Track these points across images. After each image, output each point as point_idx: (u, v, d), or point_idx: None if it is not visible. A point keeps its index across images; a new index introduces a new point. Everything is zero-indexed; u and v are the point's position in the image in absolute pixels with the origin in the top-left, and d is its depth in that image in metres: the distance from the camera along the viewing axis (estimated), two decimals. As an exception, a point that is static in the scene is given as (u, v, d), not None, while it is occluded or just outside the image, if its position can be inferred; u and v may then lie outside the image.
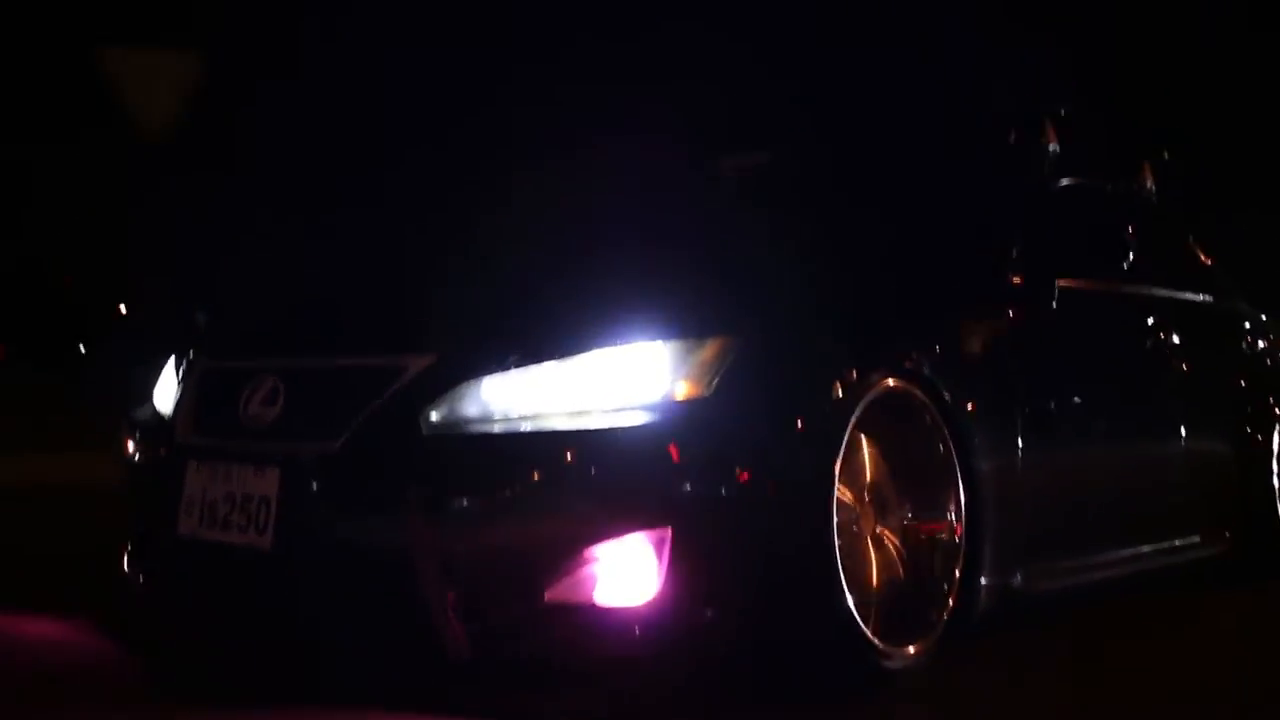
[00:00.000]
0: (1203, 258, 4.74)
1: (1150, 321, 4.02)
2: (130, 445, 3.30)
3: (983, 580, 3.06)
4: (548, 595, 2.53)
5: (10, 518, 5.48)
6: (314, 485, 2.67)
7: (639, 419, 2.55)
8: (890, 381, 2.85)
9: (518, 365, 2.62)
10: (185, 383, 3.14)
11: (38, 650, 3.12)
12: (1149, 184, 4.55)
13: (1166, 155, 4.72)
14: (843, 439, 2.71)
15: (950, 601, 2.96)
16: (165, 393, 3.27)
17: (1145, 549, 3.77)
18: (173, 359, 3.37)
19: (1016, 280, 3.43)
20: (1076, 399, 3.50)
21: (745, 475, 2.59)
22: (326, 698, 2.65)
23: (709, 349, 2.63)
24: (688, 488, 2.55)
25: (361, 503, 2.65)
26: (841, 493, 2.79)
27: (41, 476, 6.94)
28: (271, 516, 2.69)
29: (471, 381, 2.63)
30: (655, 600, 2.51)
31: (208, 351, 3.18)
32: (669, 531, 2.51)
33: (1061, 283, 3.48)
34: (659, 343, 2.62)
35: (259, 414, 2.83)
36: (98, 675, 2.91)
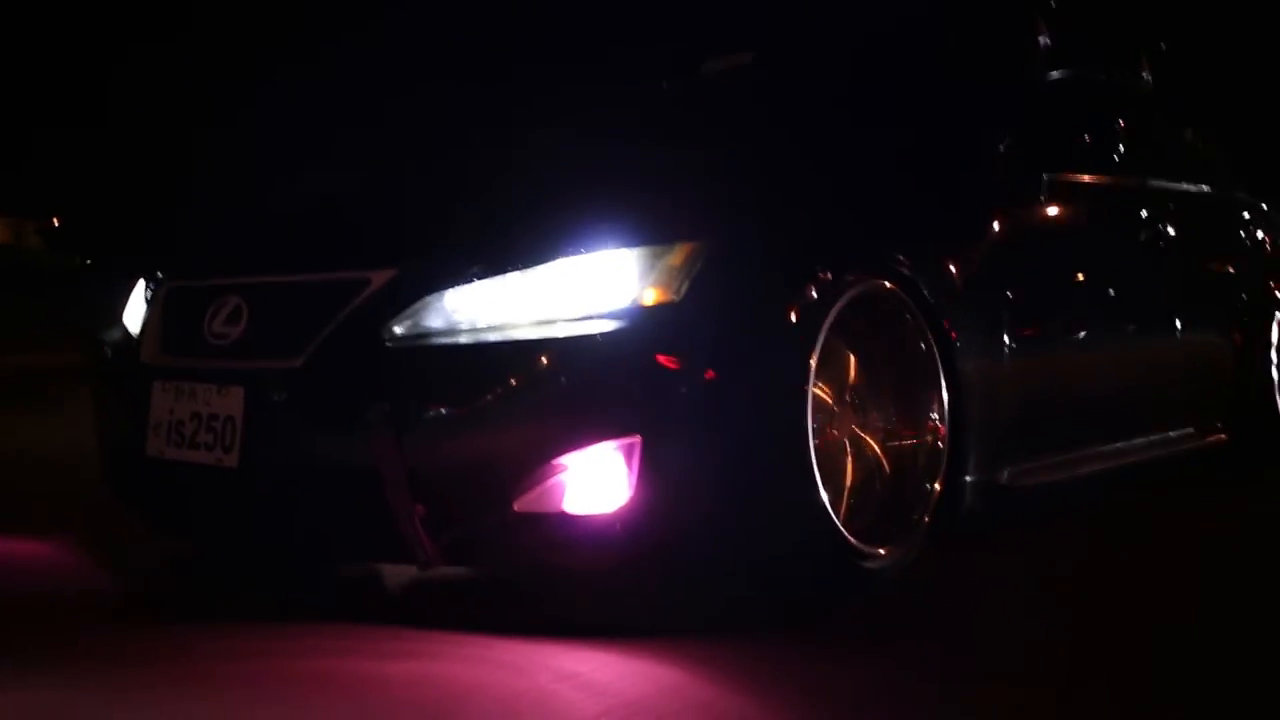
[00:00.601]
0: (1201, 148, 4.63)
1: (1145, 214, 3.94)
2: (98, 365, 3.27)
3: (968, 479, 3.02)
4: (517, 505, 2.49)
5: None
6: (278, 402, 2.63)
7: (606, 326, 2.49)
8: (868, 282, 2.78)
9: (481, 276, 2.56)
10: (152, 303, 3.09)
11: (11, 569, 3.11)
12: (1145, 74, 4.43)
13: (1163, 45, 4.60)
14: (817, 341, 2.64)
15: (933, 502, 2.92)
16: (134, 314, 3.22)
17: (1137, 441, 3.73)
18: (142, 280, 3.31)
19: (1003, 175, 3.34)
20: (1065, 294, 3.43)
21: (716, 379, 2.53)
22: (298, 614, 2.63)
23: (677, 254, 2.56)
24: (657, 394, 2.49)
25: (326, 418, 2.60)
26: (820, 395, 2.74)
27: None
28: (238, 435, 2.65)
29: (434, 294, 2.56)
30: (626, 508, 2.47)
31: (172, 271, 3.12)
32: (639, 439, 2.46)
33: (1051, 177, 3.40)
34: (625, 250, 2.55)
35: (222, 333, 2.78)
36: (74, 593, 2.90)
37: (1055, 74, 3.66)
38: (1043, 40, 3.77)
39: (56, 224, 22.22)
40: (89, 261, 20.35)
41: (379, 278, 2.62)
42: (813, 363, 2.63)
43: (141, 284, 3.30)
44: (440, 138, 3.60)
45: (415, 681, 2.19)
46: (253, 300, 2.77)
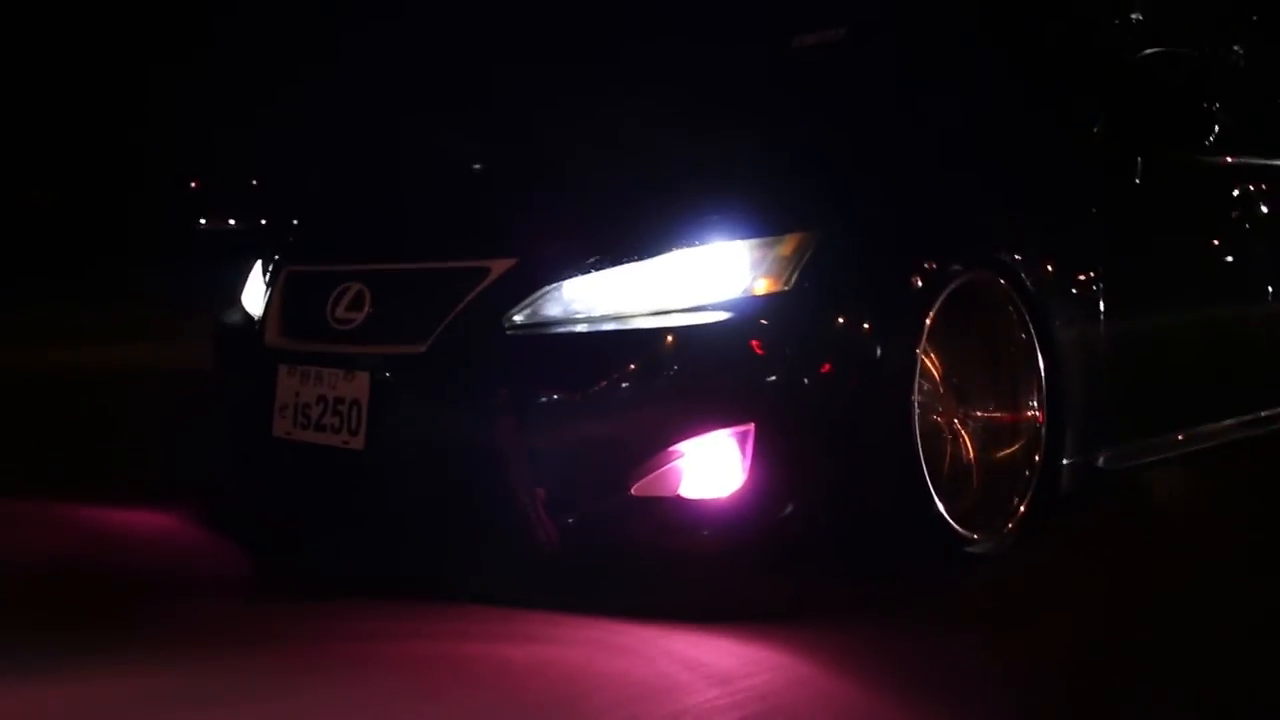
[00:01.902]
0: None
1: (1238, 192, 3.94)
2: (219, 348, 3.40)
3: (1064, 462, 3.07)
4: (634, 489, 2.59)
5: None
6: (402, 387, 2.74)
7: (720, 316, 2.57)
8: (972, 272, 2.83)
9: (598, 267, 2.64)
10: (271, 287, 3.20)
11: (139, 545, 3.25)
12: (1236, 48, 4.41)
13: (1254, 18, 4.56)
14: (923, 330, 2.71)
15: (1031, 486, 2.98)
16: (253, 296, 3.34)
17: (1229, 421, 3.75)
18: (259, 263, 3.43)
19: (1099, 157, 3.37)
20: (1161, 276, 3.46)
21: (827, 367, 2.61)
22: (420, 591, 2.74)
23: (787, 244, 2.63)
24: (771, 382, 2.57)
25: (450, 403, 2.70)
26: (922, 382, 2.80)
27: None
28: (363, 418, 2.76)
29: (553, 284, 2.66)
30: (740, 492, 2.56)
31: (292, 256, 3.23)
32: (753, 426, 2.55)
33: (1146, 158, 3.42)
34: (737, 241, 2.62)
35: (346, 318, 2.89)
36: (200, 570, 3.03)
37: (1147, 51, 3.67)
38: (1135, 16, 3.78)
39: (194, 186, 22.53)
40: (232, 222, 20.56)
41: (498, 267, 2.71)
42: (919, 351, 2.70)
43: (259, 266, 3.42)
44: (551, 124, 3.67)
45: (539, 666, 2.29)
46: (375, 287, 2.87)
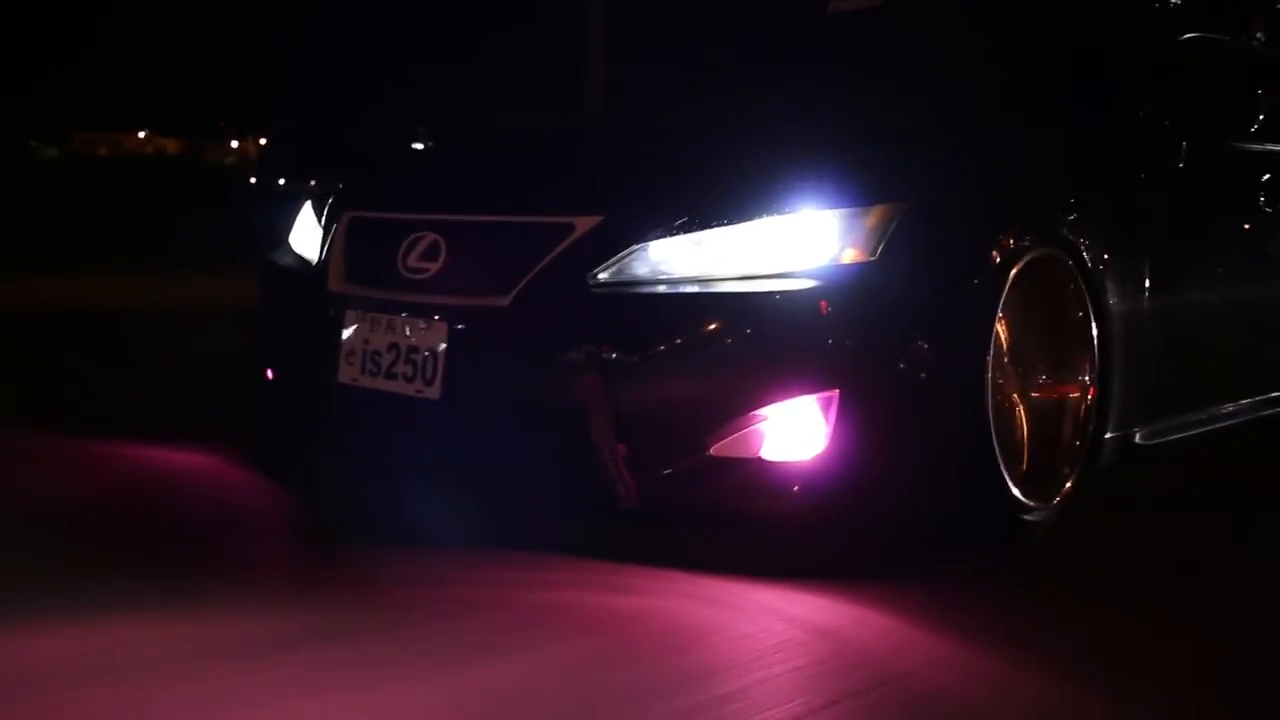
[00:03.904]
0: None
1: (1271, 176, 4.01)
2: (271, 289, 3.37)
3: (1107, 435, 3.16)
4: (713, 449, 2.62)
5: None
6: (483, 339, 2.74)
7: (808, 283, 2.60)
8: (1042, 247, 2.89)
9: (686, 230, 2.66)
10: (329, 231, 3.17)
11: (196, 487, 3.23)
12: (1259, 35, 4.49)
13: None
14: (999, 301, 2.77)
15: (1081, 458, 3.06)
16: (305, 239, 3.31)
17: (1263, 398, 3.85)
18: (307, 205, 3.40)
19: (1145, 140, 3.44)
20: (1202, 258, 3.54)
21: (910, 337, 2.66)
22: (495, 540, 2.76)
23: (875, 215, 2.67)
24: (856, 350, 2.61)
25: (532, 357, 2.72)
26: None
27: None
28: (439, 368, 2.77)
29: (640, 243, 2.67)
30: (822, 456, 2.60)
31: (354, 202, 3.20)
32: (837, 392, 2.59)
33: (1191, 142, 3.49)
34: (826, 210, 2.65)
35: (419, 267, 2.88)
36: (263, 514, 3.03)
37: (1188, 36, 3.74)
38: (1174, 0, 3.83)
39: (263, 143, 22.12)
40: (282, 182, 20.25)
41: (584, 224, 2.72)
42: (996, 323, 2.76)
43: (308, 208, 3.39)
44: (633, 85, 3.66)
45: (644, 616, 2.33)
46: (451, 237, 2.86)
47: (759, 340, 2.61)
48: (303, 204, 3.42)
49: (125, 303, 7.63)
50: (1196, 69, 3.61)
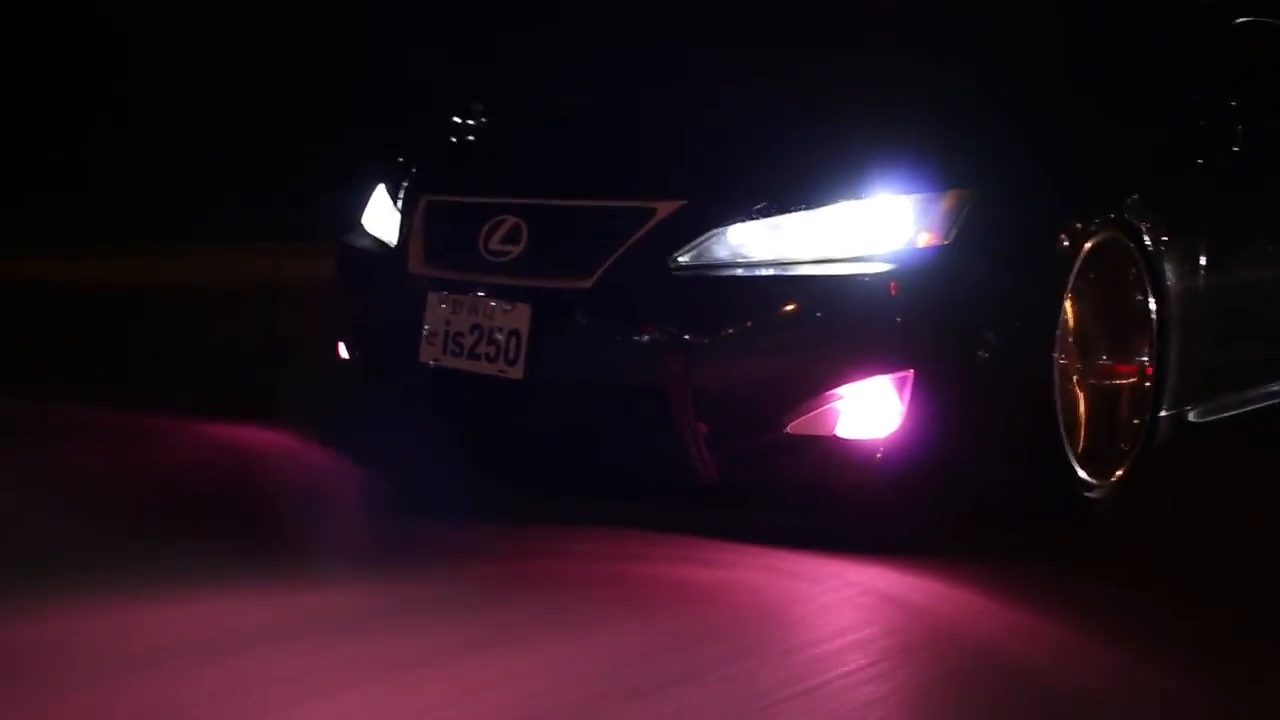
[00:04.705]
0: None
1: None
2: (348, 272, 3.45)
3: (1162, 414, 3.24)
4: (790, 428, 2.71)
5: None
6: (567, 320, 2.83)
7: (885, 267, 2.69)
8: (1106, 231, 2.97)
9: (765, 214, 2.75)
10: (408, 215, 3.25)
11: (276, 463, 3.33)
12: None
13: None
14: (1067, 286, 2.85)
15: (1140, 436, 3.14)
16: (380, 222, 3.39)
17: None
18: (380, 188, 3.47)
19: (1203, 123, 3.50)
20: (1254, 241, 3.61)
21: (982, 319, 2.74)
22: (573, 519, 2.86)
23: (949, 200, 2.74)
24: (930, 331, 2.70)
25: (615, 338, 2.81)
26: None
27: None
28: (523, 348, 2.85)
29: (720, 227, 2.76)
30: (896, 435, 2.69)
31: (429, 185, 3.28)
32: (912, 372, 2.68)
33: (1246, 125, 3.55)
34: (901, 195, 2.73)
35: (501, 250, 2.96)
36: (349, 491, 3.13)
37: (1240, 20, 3.79)
38: None
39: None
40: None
41: (665, 208, 2.81)
42: (1065, 305, 2.84)
43: (381, 191, 3.47)
44: (702, 64, 3.73)
45: (728, 589, 2.43)
46: (533, 220, 2.95)
47: (836, 322, 2.70)
48: (374, 186, 3.49)
49: (209, 280, 7.71)
50: (1250, 52, 3.67)
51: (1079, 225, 2.90)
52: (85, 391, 4.07)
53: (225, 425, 3.64)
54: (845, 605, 2.39)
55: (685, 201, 2.80)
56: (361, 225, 3.49)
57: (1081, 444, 3.07)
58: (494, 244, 2.98)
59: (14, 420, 3.68)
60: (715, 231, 2.76)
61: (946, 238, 2.73)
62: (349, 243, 3.47)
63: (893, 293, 2.68)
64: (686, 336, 2.73)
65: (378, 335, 3.27)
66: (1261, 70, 3.64)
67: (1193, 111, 3.50)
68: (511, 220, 2.98)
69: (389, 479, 3.18)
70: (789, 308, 2.72)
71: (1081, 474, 2.93)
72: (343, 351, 3.44)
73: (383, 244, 3.33)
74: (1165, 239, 3.18)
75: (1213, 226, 3.40)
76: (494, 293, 2.92)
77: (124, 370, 4.50)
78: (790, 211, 2.75)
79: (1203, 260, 3.35)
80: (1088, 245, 2.92)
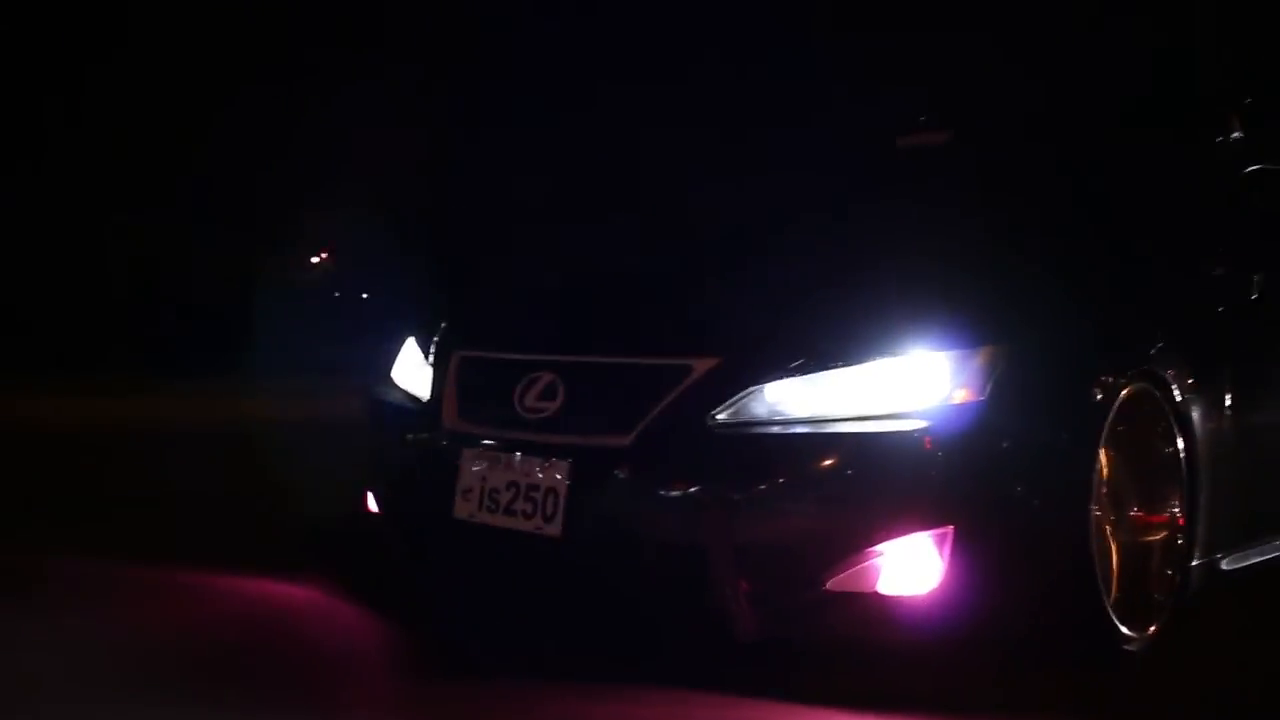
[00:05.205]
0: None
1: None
2: (381, 426, 3.47)
3: (1194, 562, 3.24)
4: (830, 584, 2.71)
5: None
6: (605, 477, 2.84)
7: (922, 424, 2.71)
8: (1138, 384, 3.00)
9: (804, 371, 2.78)
10: (440, 369, 3.28)
11: (302, 620, 3.30)
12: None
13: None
14: (1101, 438, 2.88)
15: (1176, 586, 3.14)
16: (410, 375, 3.42)
17: None
18: (410, 341, 3.51)
19: (1220, 273, 3.56)
20: (1276, 388, 3.65)
21: (1020, 473, 2.76)
22: (613, 676, 2.83)
23: (983, 355, 2.78)
24: (969, 487, 2.71)
25: (654, 495, 2.81)
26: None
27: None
28: (560, 505, 2.86)
29: (757, 385, 2.78)
30: (937, 591, 2.68)
31: (462, 341, 3.31)
32: (952, 529, 2.68)
33: (1261, 275, 3.61)
34: (938, 352, 2.76)
35: (538, 407, 2.98)
36: (372, 648, 3.10)
37: (1251, 167, 3.87)
38: (1236, 135, 3.98)
39: (325, 257, 22.61)
40: (365, 296, 20.66)
41: (702, 365, 2.84)
42: (1099, 458, 2.86)
43: (411, 344, 3.50)
44: (737, 217, 3.81)
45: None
46: (569, 377, 2.97)
47: (874, 479, 2.71)
48: (404, 339, 3.53)
49: (231, 417, 7.73)
50: (1261, 199, 3.75)
51: (1111, 377, 2.93)
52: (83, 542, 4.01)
53: (246, 579, 3.61)
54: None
55: (722, 359, 2.84)
56: (391, 378, 3.51)
57: (1114, 595, 3.07)
58: (530, 400, 3.01)
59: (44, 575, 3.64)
60: (753, 389, 2.79)
61: (982, 393, 2.76)
62: (378, 396, 3.49)
63: (930, 449, 2.70)
64: (726, 494, 2.74)
65: (410, 489, 3.27)
66: (1274, 217, 3.71)
67: (1210, 260, 3.56)
68: (547, 377, 3.00)
69: (417, 636, 3.15)
70: (827, 465, 2.74)
71: (1122, 628, 2.92)
72: (371, 504, 3.44)
73: (414, 398, 3.35)
74: (1191, 387, 3.21)
75: (1236, 372, 3.44)
76: (531, 450, 2.94)
77: (139, 518, 4.47)
78: (827, 369, 2.78)
79: (1228, 406, 3.38)
80: (1120, 397, 2.95)
